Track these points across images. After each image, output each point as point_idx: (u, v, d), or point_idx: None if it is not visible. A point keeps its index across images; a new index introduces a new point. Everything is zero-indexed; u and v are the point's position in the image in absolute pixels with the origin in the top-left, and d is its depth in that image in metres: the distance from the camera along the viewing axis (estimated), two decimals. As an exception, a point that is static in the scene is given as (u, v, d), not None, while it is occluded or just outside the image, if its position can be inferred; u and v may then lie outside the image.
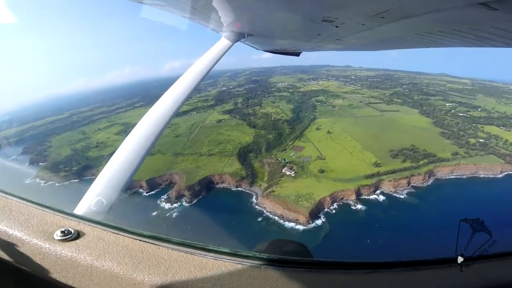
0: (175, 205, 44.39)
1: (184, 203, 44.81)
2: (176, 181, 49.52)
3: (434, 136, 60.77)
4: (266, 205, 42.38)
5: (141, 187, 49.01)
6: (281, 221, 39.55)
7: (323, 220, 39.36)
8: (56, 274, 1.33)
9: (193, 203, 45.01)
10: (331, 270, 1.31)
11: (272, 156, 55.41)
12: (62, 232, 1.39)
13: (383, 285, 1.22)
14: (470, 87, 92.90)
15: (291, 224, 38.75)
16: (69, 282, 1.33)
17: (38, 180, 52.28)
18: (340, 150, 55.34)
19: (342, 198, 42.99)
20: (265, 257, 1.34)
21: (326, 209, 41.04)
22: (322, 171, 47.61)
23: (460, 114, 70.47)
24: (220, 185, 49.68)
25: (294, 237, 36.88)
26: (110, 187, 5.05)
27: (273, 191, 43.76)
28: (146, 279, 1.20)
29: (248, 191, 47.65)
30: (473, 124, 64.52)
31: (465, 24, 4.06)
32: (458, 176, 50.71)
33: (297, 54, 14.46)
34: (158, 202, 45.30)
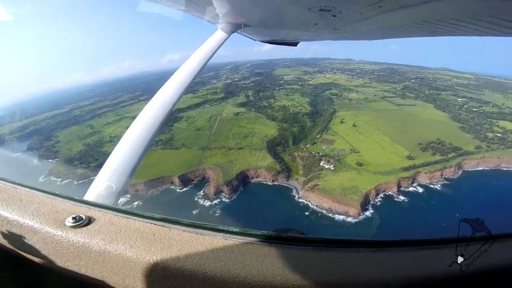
0: (215, 201, 44.03)
1: (224, 199, 44.57)
2: (209, 176, 49.03)
3: (455, 130, 64.58)
4: (311, 198, 43.29)
5: (172, 183, 48.02)
6: (330, 214, 40.70)
7: (371, 211, 41.05)
8: (69, 263, 1.37)
9: (233, 199, 44.92)
10: (341, 248, 1.37)
11: (304, 150, 56.30)
12: (73, 218, 1.42)
13: (391, 263, 1.30)
14: (475, 82, 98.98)
15: (341, 217, 40.02)
16: (82, 271, 1.36)
17: (52, 177, 49.89)
18: (370, 143, 57.36)
19: (384, 190, 44.94)
20: (274, 235, 1.38)
21: (371, 201, 42.75)
22: (360, 164, 49.28)
23: (473, 109, 75.09)
24: (255, 180, 49.86)
25: (348, 229, 38.28)
26: (118, 173, 5.37)
27: (316, 184, 44.71)
28: (159, 261, 1.24)
29: (286, 185, 48.30)
30: (488, 119, 69.11)
31: (463, 13, 4.17)
32: (483, 169, 54.57)
33: (295, 44, 14.83)
34: (196, 199, 44.69)
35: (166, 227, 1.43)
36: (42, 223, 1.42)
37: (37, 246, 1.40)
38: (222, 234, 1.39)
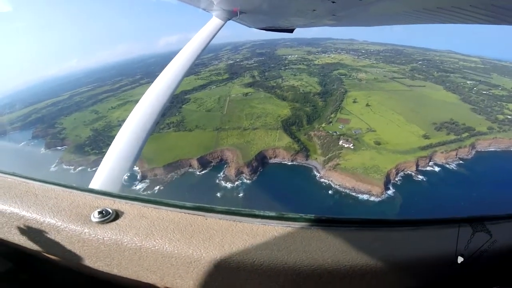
0: (236, 183, 44.33)
1: (245, 181, 44.92)
2: (227, 158, 49.01)
3: (467, 112, 65.95)
4: (333, 178, 44.19)
5: (190, 165, 47.77)
6: (353, 193, 41.87)
7: (393, 190, 42.44)
8: (100, 263, 1.28)
9: (254, 180, 45.32)
10: (379, 228, 1.38)
11: (320, 129, 56.71)
12: (99, 212, 1.32)
13: (433, 240, 1.32)
14: (482, 66, 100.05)
15: (365, 196, 41.25)
16: (114, 271, 1.27)
17: (64, 166, 49.02)
18: (386, 122, 58.16)
19: (403, 170, 46.26)
20: (312, 218, 1.35)
21: (392, 181, 44.08)
22: (378, 143, 50.18)
23: (483, 92, 76.44)
24: (273, 160, 50.24)
25: (372, 208, 39.63)
26: (122, 160, 5.32)
27: (338, 164, 45.51)
28: (204, 254, 1.16)
29: (306, 165, 48.97)
30: (498, 102, 70.72)
31: (465, 1, 4.20)
32: (495, 149, 56.53)
33: (291, 31, 14.97)
34: (217, 181, 44.81)
35: (202, 215, 1.35)
36: (65, 220, 1.29)
37: (61, 246, 1.28)
38: (259, 219, 1.33)
